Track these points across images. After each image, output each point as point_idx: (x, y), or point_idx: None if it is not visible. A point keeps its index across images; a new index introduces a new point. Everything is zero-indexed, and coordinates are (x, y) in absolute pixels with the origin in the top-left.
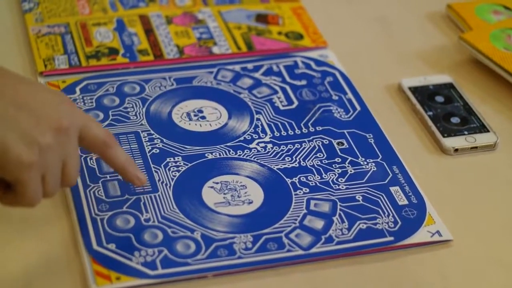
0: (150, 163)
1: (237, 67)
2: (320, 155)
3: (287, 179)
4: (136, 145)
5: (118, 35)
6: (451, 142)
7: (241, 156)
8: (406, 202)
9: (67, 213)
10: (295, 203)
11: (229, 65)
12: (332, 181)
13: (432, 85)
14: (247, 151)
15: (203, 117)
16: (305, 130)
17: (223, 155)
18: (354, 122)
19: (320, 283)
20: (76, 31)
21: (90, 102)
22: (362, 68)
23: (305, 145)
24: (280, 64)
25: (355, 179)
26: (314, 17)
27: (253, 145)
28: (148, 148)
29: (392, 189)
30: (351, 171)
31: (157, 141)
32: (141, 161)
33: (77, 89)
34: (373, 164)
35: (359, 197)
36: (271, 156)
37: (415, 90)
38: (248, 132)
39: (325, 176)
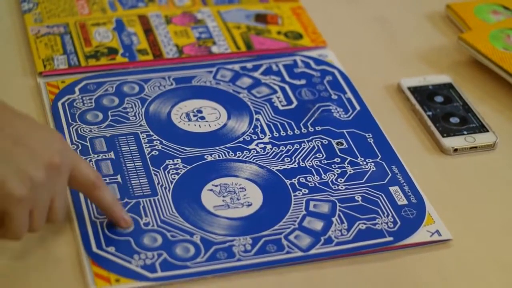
0: (150, 165)
1: (236, 67)
2: (319, 155)
3: (286, 181)
4: (136, 147)
5: (117, 35)
6: (450, 142)
7: (240, 158)
8: (405, 202)
9: (67, 216)
10: (294, 204)
11: (228, 65)
12: (332, 181)
13: (432, 85)
14: (246, 152)
15: (202, 118)
16: (304, 130)
17: (222, 156)
18: (353, 122)
19: (319, 283)
20: (75, 31)
21: (89, 102)
22: (361, 68)
23: (304, 145)
24: (280, 63)
25: (355, 179)
26: (313, 17)
27: (252, 146)
28: (147, 150)
29: (392, 189)
30: (350, 171)
31: (156, 142)
32: (141, 163)
33: (76, 89)
34: (373, 164)
35: (358, 198)
36: (270, 157)
37: (414, 90)
38: (248, 133)
39: (324, 177)
